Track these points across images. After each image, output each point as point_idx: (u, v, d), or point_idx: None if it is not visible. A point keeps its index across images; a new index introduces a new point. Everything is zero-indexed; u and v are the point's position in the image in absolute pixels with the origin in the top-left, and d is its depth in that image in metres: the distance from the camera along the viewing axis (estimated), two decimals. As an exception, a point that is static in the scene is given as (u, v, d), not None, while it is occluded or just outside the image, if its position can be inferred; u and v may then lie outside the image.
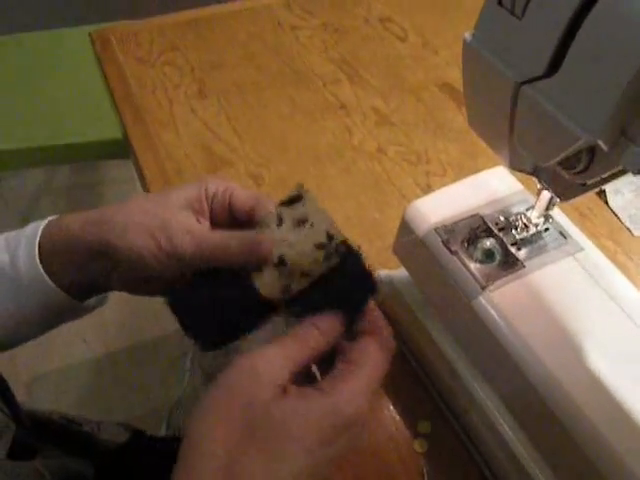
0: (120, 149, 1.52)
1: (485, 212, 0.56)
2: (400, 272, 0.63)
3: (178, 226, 0.44)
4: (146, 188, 0.78)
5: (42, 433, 0.56)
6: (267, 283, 0.45)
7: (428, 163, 0.82)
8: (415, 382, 0.61)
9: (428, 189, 0.78)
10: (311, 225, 0.46)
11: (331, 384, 0.37)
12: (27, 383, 1.70)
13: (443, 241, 0.54)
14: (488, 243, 0.54)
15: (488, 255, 0.54)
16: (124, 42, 1.00)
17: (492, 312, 0.50)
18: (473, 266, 0.52)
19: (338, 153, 0.83)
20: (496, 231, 0.54)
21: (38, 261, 0.46)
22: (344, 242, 0.45)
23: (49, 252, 0.47)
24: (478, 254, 0.54)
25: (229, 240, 0.44)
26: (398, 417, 0.59)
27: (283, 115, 0.88)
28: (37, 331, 0.51)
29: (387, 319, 0.64)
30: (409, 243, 0.56)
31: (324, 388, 0.37)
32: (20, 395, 0.57)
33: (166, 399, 1.66)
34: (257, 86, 0.93)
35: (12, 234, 0.50)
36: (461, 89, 0.47)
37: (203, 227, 0.47)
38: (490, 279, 0.51)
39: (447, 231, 0.54)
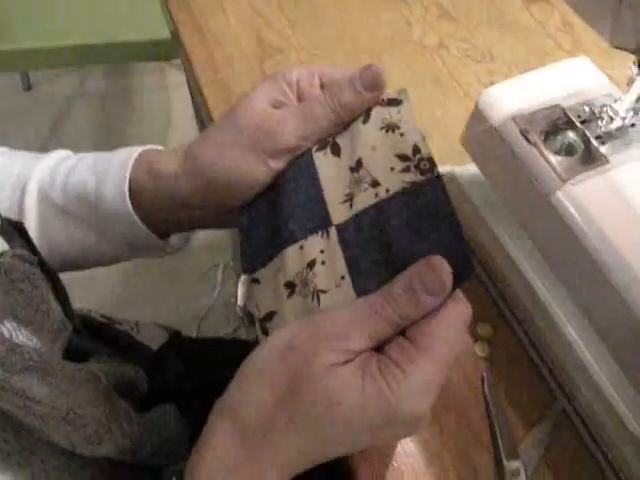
0: (157, 51, 1.48)
1: (566, 103, 0.51)
2: (465, 168, 0.59)
3: (270, 124, 0.41)
4: (194, 76, 0.74)
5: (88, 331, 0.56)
6: (332, 181, 0.41)
7: (492, 61, 0.76)
8: (477, 284, 0.58)
9: (492, 88, 0.73)
10: (401, 135, 0.40)
11: (393, 372, 0.32)
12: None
13: (521, 130, 0.49)
14: (570, 135, 0.50)
15: (568, 148, 0.50)
16: None
17: (572, 208, 0.46)
18: (553, 158, 0.48)
19: (397, 46, 0.77)
20: (578, 123, 0.50)
21: (128, 198, 0.44)
22: (430, 159, 0.39)
23: (137, 191, 0.44)
24: (558, 147, 0.50)
25: (334, 94, 0.41)
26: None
27: (338, 5, 0.82)
28: (112, 261, 0.50)
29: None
30: (482, 133, 0.52)
31: (385, 374, 0.32)
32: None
33: (196, 309, 1.67)
34: (310, -27, 0.87)
35: (102, 158, 0.47)
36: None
37: (297, 106, 0.43)
38: (571, 173, 0.47)
39: (525, 120, 0.50)
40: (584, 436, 0.50)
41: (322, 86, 0.44)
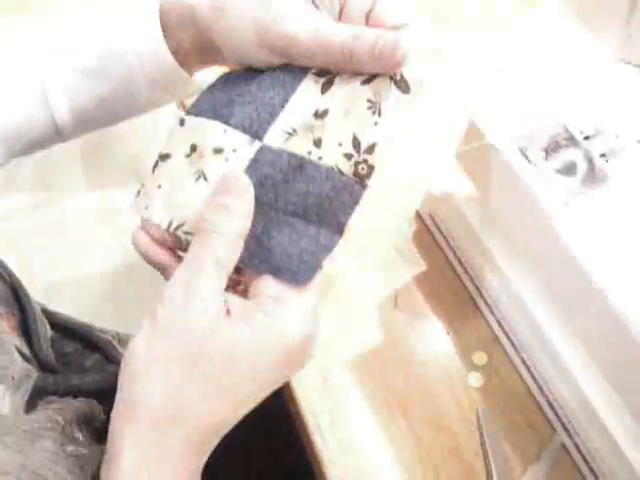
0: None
1: (569, 117, 0.48)
2: (461, 186, 0.56)
3: (288, 29, 0.37)
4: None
5: (64, 338, 0.54)
6: (297, 110, 0.38)
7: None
8: (473, 310, 0.55)
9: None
10: (375, 123, 0.36)
11: (274, 305, 0.32)
12: (43, 291, 1.67)
13: (520, 148, 0.47)
14: (572, 153, 0.47)
15: (571, 167, 0.47)
16: None
17: (574, 232, 0.43)
18: (554, 179, 0.45)
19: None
20: (581, 140, 0.47)
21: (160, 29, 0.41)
22: (372, 168, 0.36)
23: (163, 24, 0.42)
24: (559, 166, 0.47)
25: (355, 38, 0.36)
26: (452, 347, 0.53)
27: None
28: (143, 108, 0.48)
29: (444, 240, 0.58)
30: (478, 150, 0.49)
31: (268, 310, 0.32)
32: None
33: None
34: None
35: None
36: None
37: (325, 20, 0.38)
38: (573, 194, 0.45)
39: (525, 137, 0.47)
40: (586, 475, 0.47)
41: (368, 15, 0.39)
